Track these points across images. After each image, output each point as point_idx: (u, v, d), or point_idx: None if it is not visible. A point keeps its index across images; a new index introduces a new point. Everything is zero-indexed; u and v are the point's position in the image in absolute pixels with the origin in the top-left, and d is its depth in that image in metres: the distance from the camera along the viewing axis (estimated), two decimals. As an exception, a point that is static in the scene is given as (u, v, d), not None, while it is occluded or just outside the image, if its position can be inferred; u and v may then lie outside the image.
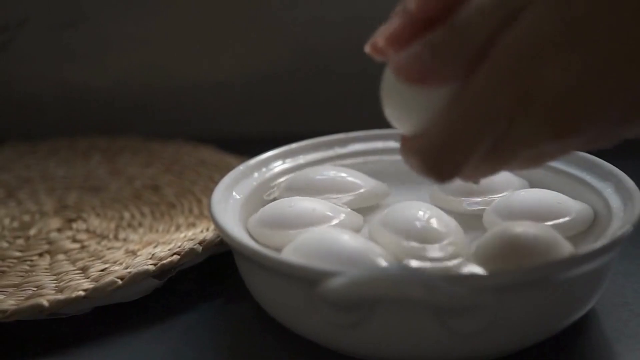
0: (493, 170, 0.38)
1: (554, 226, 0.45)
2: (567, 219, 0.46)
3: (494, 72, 0.34)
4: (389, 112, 0.39)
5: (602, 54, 0.33)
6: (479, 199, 0.50)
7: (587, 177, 0.49)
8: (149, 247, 0.51)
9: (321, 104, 0.76)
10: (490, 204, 0.49)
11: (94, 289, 0.46)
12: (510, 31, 0.34)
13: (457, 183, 0.46)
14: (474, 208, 0.49)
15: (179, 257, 0.48)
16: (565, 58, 0.33)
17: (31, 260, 0.52)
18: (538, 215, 0.46)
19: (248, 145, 0.58)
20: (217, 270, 0.51)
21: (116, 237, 0.55)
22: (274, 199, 0.51)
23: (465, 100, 0.35)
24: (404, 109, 0.38)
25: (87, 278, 0.47)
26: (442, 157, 0.36)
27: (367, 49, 0.38)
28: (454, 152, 0.35)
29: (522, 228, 0.43)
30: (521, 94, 0.34)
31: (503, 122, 0.34)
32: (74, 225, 0.57)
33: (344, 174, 0.52)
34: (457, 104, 0.35)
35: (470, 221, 0.48)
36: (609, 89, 0.33)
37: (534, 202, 0.47)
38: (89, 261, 0.50)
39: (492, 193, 0.50)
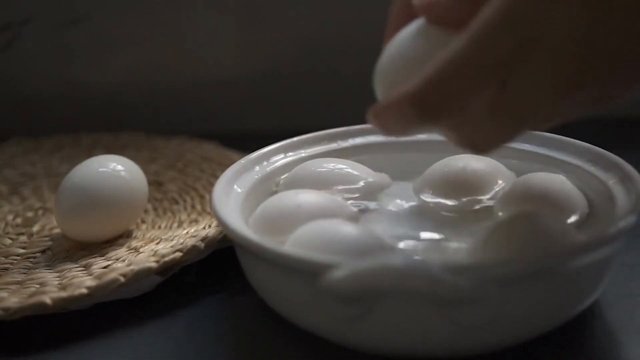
0: (502, 130, 0.36)
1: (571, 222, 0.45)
2: (580, 212, 0.46)
3: (495, 15, 0.33)
4: (391, 72, 0.40)
5: (612, 4, 0.32)
6: (465, 199, 0.50)
7: (591, 168, 0.49)
8: (152, 244, 0.51)
9: (324, 100, 0.76)
10: (475, 204, 0.49)
11: (97, 287, 0.46)
12: None
13: (444, 179, 0.46)
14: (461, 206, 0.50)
15: (181, 254, 0.48)
16: (572, 7, 0.32)
17: (34, 257, 0.52)
18: (552, 203, 0.46)
19: (251, 141, 0.57)
20: (219, 264, 0.51)
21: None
22: (275, 192, 0.51)
23: (461, 43, 0.34)
24: (412, 64, 0.38)
25: (90, 275, 0.47)
26: (431, 93, 0.35)
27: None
28: (445, 87, 0.34)
29: (528, 216, 0.43)
30: (523, 42, 0.33)
31: (501, 69, 0.34)
32: (77, 222, 0.57)
33: (343, 166, 0.52)
34: (453, 45, 0.34)
35: (460, 219, 0.48)
36: (618, 42, 0.33)
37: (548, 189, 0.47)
38: (92, 258, 0.50)
39: (476, 193, 0.50)
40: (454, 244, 0.45)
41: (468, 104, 0.35)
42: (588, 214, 0.46)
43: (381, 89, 0.40)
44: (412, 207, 0.50)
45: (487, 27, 0.33)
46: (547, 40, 0.33)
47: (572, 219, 0.46)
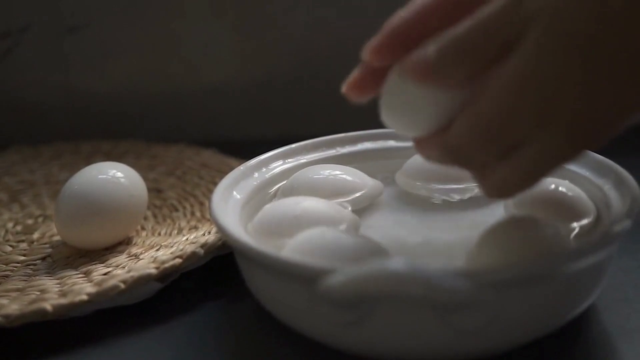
0: (518, 181, 0.39)
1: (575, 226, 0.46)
2: (590, 216, 0.46)
3: (506, 96, 0.35)
4: (391, 116, 0.41)
5: (614, 70, 0.34)
6: (442, 186, 0.51)
7: (587, 173, 0.49)
8: (151, 250, 0.51)
9: (322, 107, 0.76)
10: (457, 191, 0.50)
11: (97, 294, 0.46)
12: (515, 56, 0.35)
13: (423, 168, 0.49)
14: (439, 193, 0.51)
15: (181, 260, 0.48)
16: (576, 82, 0.34)
17: (34, 264, 0.53)
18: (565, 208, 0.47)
19: (250, 148, 0.58)
20: (219, 270, 0.51)
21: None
22: (273, 200, 0.51)
23: (482, 118, 0.36)
24: (408, 111, 0.40)
25: (90, 282, 0.48)
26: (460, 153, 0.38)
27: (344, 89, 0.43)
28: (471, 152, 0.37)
29: (521, 221, 0.44)
30: (538, 117, 0.35)
31: (520, 136, 0.36)
32: (77, 229, 0.57)
33: (339, 172, 0.52)
34: (474, 118, 0.37)
35: (450, 208, 0.49)
36: (629, 100, 0.35)
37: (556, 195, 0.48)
38: (92, 265, 0.51)
39: (458, 181, 0.51)
40: (448, 241, 0.46)
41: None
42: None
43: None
44: (406, 207, 0.51)
45: (500, 104, 0.36)
46: (556, 109, 0.35)
47: (583, 222, 0.46)
